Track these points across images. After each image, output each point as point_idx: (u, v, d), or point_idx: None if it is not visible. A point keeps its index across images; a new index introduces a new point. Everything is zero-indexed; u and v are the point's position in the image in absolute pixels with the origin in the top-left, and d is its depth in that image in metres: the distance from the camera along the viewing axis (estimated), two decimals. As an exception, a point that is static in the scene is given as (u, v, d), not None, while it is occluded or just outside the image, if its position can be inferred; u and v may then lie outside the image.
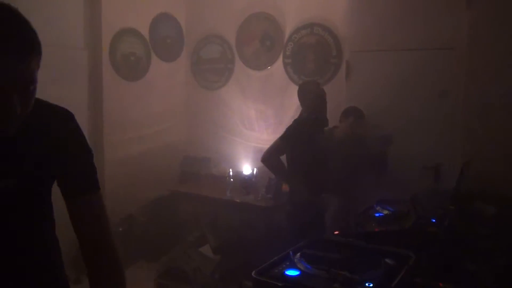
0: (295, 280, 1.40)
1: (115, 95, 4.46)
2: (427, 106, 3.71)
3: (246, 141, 4.70)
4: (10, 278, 1.12)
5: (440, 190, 3.34)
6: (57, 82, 3.37)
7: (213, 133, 4.93)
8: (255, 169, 4.21)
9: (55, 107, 1.19)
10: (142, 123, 4.72)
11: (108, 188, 4.38)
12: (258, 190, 4.07)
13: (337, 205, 3.47)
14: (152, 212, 4.61)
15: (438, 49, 3.66)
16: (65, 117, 1.20)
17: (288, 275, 1.43)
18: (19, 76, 0.95)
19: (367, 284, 1.34)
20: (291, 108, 4.35)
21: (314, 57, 4.31)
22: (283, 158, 3.28)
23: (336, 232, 1.94)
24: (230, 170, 4.26)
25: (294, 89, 4.37)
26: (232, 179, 4.19)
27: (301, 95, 3.28)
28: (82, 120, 1.22)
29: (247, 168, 4.28)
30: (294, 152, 3.19)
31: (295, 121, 3.29)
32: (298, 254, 1.57)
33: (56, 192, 1.24)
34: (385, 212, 2.20)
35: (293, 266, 1.49)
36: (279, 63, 4.52)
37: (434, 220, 2.07)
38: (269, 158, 3.21)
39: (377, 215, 2.17)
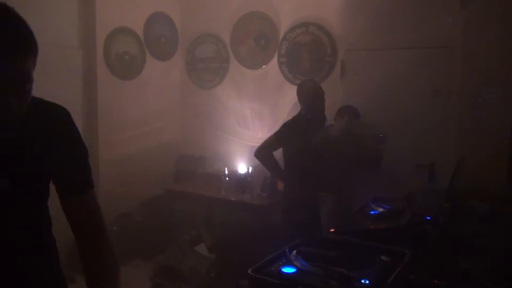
0: (292, 277, 1.40)
1: (109, 94, 4.45)
2: (421, 104, 3.74)
3: (241, 140, 4.71)
4: (8, 278, 1.12)
5: (434, 189, 3.36)
6: (51, 81, 3.35)
7: (208, 132, 4.93)
8: (250, 168, 4.22)
9: (51, 105, 1.19)
10: (137, 122, 4.71)
11: (103, 187, 4.37)
12: (254, 189, 4.07)
13: (333, 203, 3.48)
14: (147, 211, 4.61)
15: (432, 48, 3.68)
16: (62, 115, 1.20)
17: (284, 272, 1.43)
18: (15, 74, 0.95)
19: (363, 281, 1.35)
20: (286, 107, 4.36)
21: (309, 56, 4.32)
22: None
23: (332, 230, 1.95)
24: (226, 169, 4.26)
25: (289, 88, 4.41)
26: (227, 178, 4.19)
27: (300, 93, 3.30)
28: (77, 119, 1.23)
29: (242, 167, 4.28)
30: (289, 149, 3.21)
31: (292, 118, 3.32)
32: (294, 251, 1.57)
33: (51, 191, 1.24)
34: (380, 209, 2.21)
35: (290, 264, 1.49)
36: (274, 62, 4.53)
37: (429, 218, 2.08)
38: (261, 153, 3.24)
39: (372, 212, 2.18)
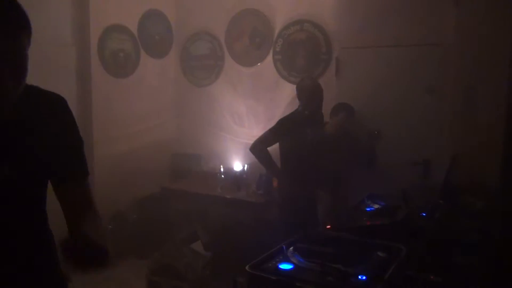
0: (289, 274, 1.41)
1: (104, 92, 4.43)
2: (415, 102, 3.76)
3: (237, 138, 4.71)
4: (9, 268, 1.12)
5: (429, 185, 3.39)
6: (44, 79, 3.31)
7: (203, 130, 4.93)
8: (246, 166, 4.22)
9: (47, 93, 1.20)
10: (131, 120, 4.70)
11: (98, 185, 4.34)
12: (249, 186, 4.08)
13: (328, 200, 3.49)
14: (142, 209, 4.59)
15: (425, 45, 3.70)
16: (59, 102, 1.21)
17: (281, 268, 1.44)
18: (10, 51, 0.95)
19: (360, 277, 1.36)
20: (282, 104, 4.37)
21: (304, 54, 4.32)
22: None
23: (328, 226, 1.96)
24: (221, 166, 4.27)
25: (284, 85, 4.41)
26: (223, 176, 4.20)
27: (299, 90, 3.31)
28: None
29: (237, 165, 4.29)
30: (285, 145, 3.22)
31: (289, 114, 3.33)
32: (291, 248, 1.58)
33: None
34: (376, 206, 2.23)
35: (287, 260, 1.50)
36: (269, 59, 4.53)
37: (424, 214, 2.10)
38: (256, 148, 3.26)
39: (368, 209, 2.19)
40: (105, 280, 3.93)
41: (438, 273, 1.68)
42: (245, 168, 4.21)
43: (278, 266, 1.45)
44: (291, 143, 3.16)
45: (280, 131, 3.20)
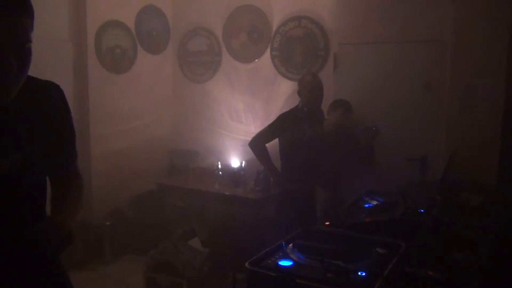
0: (289, 270, 1.40)
1: (101, 88, 4.42)
2: (413, 98, 3.76)
3: (234, 134, 4.71)
4: (14, 256, 1.12)
5: (426, 181, 3.40)
6: (40, 74, 3.31)
7: (200, 126, 4.92)
8: (243, 162, 4.22)
9: (43, 81, 1.23)
10: (128, 117, 4.69)
11: (95, 182, 4.35)
12: (247, 183, 4.08)
13: (327, 196, 3.50)
14: (140, 206, 4.59)
15: (423, 41, 3.70)
16: (56, 90, 1.26)
17: (281, 265, 1.43)
18: (13, 34, 0.95)
19: (359, 273, 1.36)
20: (279, 101, 4.37)
21: (301, 50, 4.32)
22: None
23: (327, 223, 1.96)
24: (219, 163, 4.26)
25: (282, 81, 4.41)
26: (220, 172, 4.19)
27: (299, 86, 3.30)
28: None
29: (235, 161, 4.28)
30: (284, 141, 3.22)
31: (289, 110, 3.33)
32: (291, 244, 1.58)
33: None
34: (375, 202, 2.23)
35: (286, 257, 1.49)
36: (266, 55, 4.52)
37: (422, 211, 2.10)
38: (254, 143, 3.26)
39: (366, 205, 2.19)
40: (102, 276, 3.94)
41: (436, 269, 1.69)
42: (243, 164, 4.21)
43: (277, 262, 1.45)
44: (290, 139, 3.16)
45: (280, 127, 3.20)
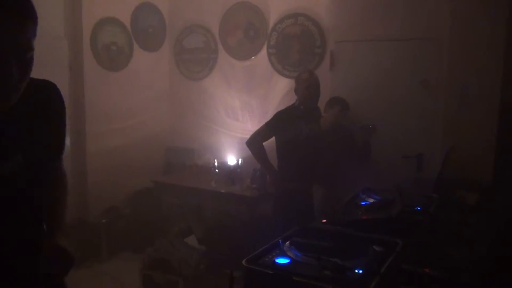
0: (286, 268, 1.40)
1: (96, 86, 4.39)
2: (409, 95, 3.77)
3: (230, 132, 4.70)
4: (16, 253, 1.15)
5: (422, 179, 3.41)
6: (36, 72, 3.28)
7: (197, 124, 4.91)
8: (240, 160, 4.22)
9: (40, 81, 1.23)
10: (124, 114, 4.67)
11: (90, 179, 4.33)
12: (243, 181, 4.08)
13: (323, 194, 3.50)
14: (136, 203, 4.58)
15: (420, 39, 3.70)
16: (52, 89, 1.27)
17: (278, 263, 1.43)
18: (16, 42, 0.95)
19: (356, 271, 1.36)
20: (276, 98, 4.36)
21: (298, 47, 4.31)
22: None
23: (324, 221, 1.96)
24: (215, 160, 4.26)
25: (278, 79, 4.40)
26: (217, 170, 4.19)
27: (296, 83, 3.29)
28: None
29: (231, 159, 4.28)
30: (281, 139, 3.21)
31: (285, 108, 3.32)
32: (288, 242, 1.58)
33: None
34: (371, 200, 2.23)
35: (283, 254, 1.50)
36: (263, 53, 4.51)
37: (419, 208, 2.10)
38: (252, 142, 3.25)
39: (363, 203, 2.19)
40: (98, 274, 3.93)
41: (433, 266, 1.69)
42: (239, 162, 4.21)
43: (274, 260, 1.45)
44: (287, 137, 3.15)
45: (276, 125, 3.19)
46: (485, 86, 3.42)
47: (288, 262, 1.44)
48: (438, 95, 3.67)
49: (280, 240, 1.59)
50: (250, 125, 4.49)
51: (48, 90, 1.25)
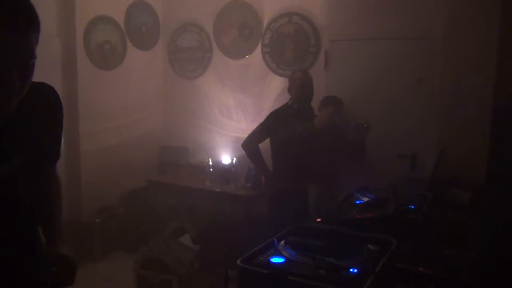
0: (281, 267, 1.40)
1: (90, 85, 4.37)
2: (403, 95, 3.77)
3: (225, 131, 4.69)
4: (15, 253, 1.16)
5: (416, 178, 3.41)
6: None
7: (191, 123, 4.90)
8: (234, 159, 4.21)
9: (38, 84, 1.22)
10: (118, 113, 4.65)
11: (84, 179, 4.31)
12: (238, 180, 4.07)
13: (318, 193, 3.50)
14: (130, 203, 4.56)
15: (414, 38, 3.70)
16: (52, 92, 1.28)
17: (273, 262, 1.43)
18: (18, 49, 0.95)
19: (351, 270, 1.36)
20: (270, 97, 4.36)
21: (292, 46, 4.31)
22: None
23: (318, 220, 1.96)
24: (209, 159, 4.25)
25: (273, 78, 4.40)
26: (211, 169, 4.18)
27: (289, 83, 3.29)
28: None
29: (226, 158, 4.27)
30: (275, 139, 3.21)
31: (279, 107, 3.32)
32: (283, 241, 1.58)
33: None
34: (366, 199, 2.23)
35: (278, 254, 1.49)
36: (257, 52, 4.50)
37: (413, 207, 2.11)
38: (247, 145, 3.24)
39: (358, 202, 2.19)
40: (92, 274, 3.91)
41: (427, 265, 1.70)
42: (234, 161, 4.20)
43: (269, 259, 1.45)
44: (281, 137, 3.15)
45: (271, 125, 3.18)
46: (479, 85, 3.43)
47: (283, 262, 1.44)
48: (432, 94, 3.68)
49: (275, 239, 1.59)
50: (244, 124, 4.49)
51: (47, 94, 1.26)
